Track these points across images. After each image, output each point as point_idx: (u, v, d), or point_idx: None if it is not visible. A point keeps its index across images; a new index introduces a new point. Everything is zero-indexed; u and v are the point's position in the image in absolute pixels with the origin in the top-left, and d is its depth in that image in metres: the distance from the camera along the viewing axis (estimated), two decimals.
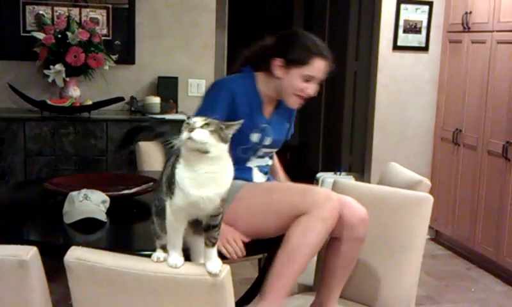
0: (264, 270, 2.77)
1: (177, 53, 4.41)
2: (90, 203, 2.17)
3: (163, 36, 4.38)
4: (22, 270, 1.56)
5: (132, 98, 4.23)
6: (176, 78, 4.33)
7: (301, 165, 7.53)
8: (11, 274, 1.58)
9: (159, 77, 4.31)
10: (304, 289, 2.58)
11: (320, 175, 5.17)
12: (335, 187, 2.51)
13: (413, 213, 2.35)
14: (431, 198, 2.35)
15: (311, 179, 5.39)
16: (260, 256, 2.89)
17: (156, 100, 4.12)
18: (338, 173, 5.24)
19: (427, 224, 2.38)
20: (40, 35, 3.92)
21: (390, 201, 2.40)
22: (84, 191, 2.22)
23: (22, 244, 1.67)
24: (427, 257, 2.46)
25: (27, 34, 4.05)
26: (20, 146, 3.69)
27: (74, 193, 2.22)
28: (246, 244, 2.07)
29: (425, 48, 4.88)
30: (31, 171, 3.72)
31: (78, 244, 1.62)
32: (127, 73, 4.33)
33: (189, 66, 4.43)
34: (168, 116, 4.01)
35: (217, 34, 4.53)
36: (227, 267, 1.50)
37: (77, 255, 1.57)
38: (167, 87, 4.28)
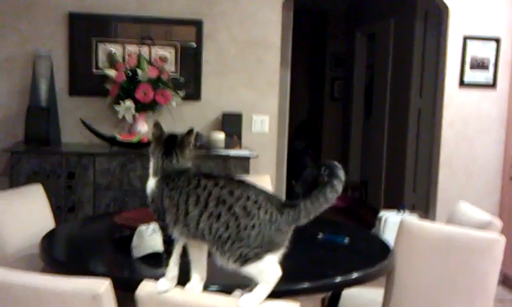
0: None
1: (242, 89, 4.48)
2: (158, 237, 2.22)
3: (228, 73, 4.46)
4: (95, 303, 1.59)
5: (198, 133, 4.30)
6: (240, 114, 4.39)
7: (362, 203, 7.44)
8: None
9: (224, 114, 4.38)
10: None
11: (383, 214, 5.08)
12: (401, 226, 2.47)
13: (484, 256, 2.29)
14: (503, 240, 2.28)
15: (373, 217, 5.32)
16: (324, 295, 2.87)
17: (221, 135, 4.18)
18: (401, 212, 5.14)
19: (498, 267, 2.31)
20: (112, 72, 4.06)
21: (459, 242, 2.34)
22: (152, 225, 2.27)
23: (93, 276, 1.72)
24: (495, 301, 2.37)
25: (99, 72, 4.21)
26: (89, 180, 3.80)
27: (143, 227, 2.27)
28: (310, 282, 2.06)
29: (492, 85, 4.78)
30: (99, 204, 3.82)
31: (147, 278, 1.65)
32: (193, 109, 4.42)
33: (253, 102, 4.50)
34: (232, 152, 4.06)
35: (281, 71, 4.58)
36: (296, 306, 1.49)
37: (148, 289, 1.60)
38: (231, 123, 4.33)
